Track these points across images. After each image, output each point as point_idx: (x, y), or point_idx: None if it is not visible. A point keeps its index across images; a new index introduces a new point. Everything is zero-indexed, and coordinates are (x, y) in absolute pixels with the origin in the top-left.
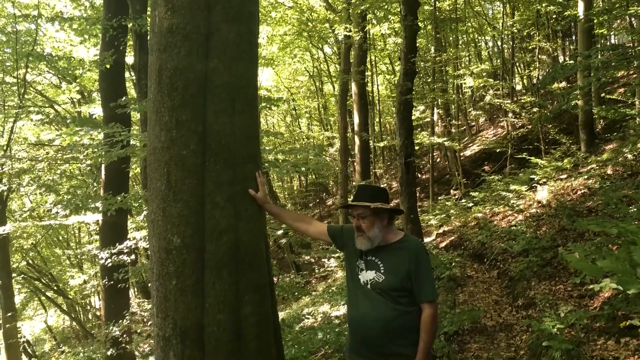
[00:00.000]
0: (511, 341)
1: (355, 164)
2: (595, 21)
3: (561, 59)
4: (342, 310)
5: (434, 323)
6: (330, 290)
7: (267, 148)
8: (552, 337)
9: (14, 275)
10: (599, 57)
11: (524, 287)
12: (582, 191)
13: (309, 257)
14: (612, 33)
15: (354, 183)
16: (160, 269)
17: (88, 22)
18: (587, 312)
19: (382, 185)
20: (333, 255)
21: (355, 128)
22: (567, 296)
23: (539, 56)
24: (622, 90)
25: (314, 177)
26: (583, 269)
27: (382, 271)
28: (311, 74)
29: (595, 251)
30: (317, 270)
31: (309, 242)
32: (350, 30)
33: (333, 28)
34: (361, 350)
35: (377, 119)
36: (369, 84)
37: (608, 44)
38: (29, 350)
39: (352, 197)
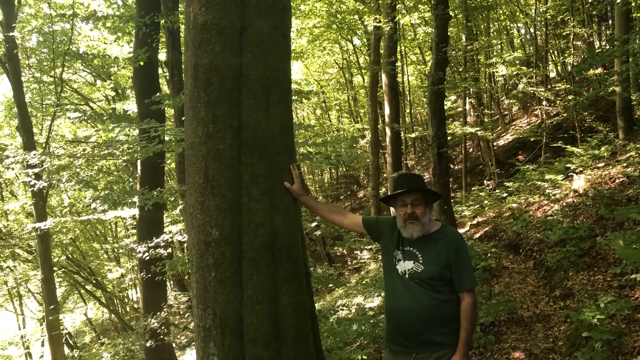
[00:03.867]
0: (549, 332)
1: (386, 155)
2: (633, 4)
3: (597, 44)
4: (376, 301)
5: (475, 311)
6: (363, 282)
7: (299, 141)
8: (592, 328)
9: (54, 269)
10: (638, 41)
11: (561, 277)
12: (621, 179)
13: (342, 249)
14: None
15: (385, 175)
16: (200, 261)
17: (121, 20)
18: (629, 302)
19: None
20: (366, 247)
21: (386, 119)
22: (607, 286)
23: (574, 42)
24: None
25: (344, 169)
26: (630, 256)
27: (421, 261)
28: (340, 66)
29: (637, 240)
30: (349, 263)
31: (341, 234)
32: (379, 21)
33: (362, 19)
34: (400, 340)
35: (408, 110)
36: (400, 75)
37: None
38: (70, 341)
39: (397, 186)
